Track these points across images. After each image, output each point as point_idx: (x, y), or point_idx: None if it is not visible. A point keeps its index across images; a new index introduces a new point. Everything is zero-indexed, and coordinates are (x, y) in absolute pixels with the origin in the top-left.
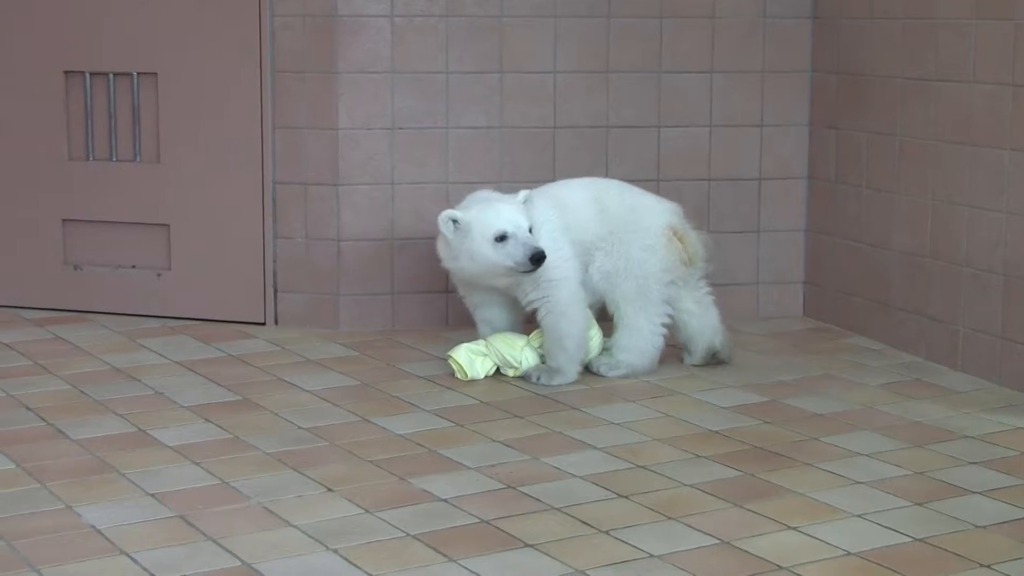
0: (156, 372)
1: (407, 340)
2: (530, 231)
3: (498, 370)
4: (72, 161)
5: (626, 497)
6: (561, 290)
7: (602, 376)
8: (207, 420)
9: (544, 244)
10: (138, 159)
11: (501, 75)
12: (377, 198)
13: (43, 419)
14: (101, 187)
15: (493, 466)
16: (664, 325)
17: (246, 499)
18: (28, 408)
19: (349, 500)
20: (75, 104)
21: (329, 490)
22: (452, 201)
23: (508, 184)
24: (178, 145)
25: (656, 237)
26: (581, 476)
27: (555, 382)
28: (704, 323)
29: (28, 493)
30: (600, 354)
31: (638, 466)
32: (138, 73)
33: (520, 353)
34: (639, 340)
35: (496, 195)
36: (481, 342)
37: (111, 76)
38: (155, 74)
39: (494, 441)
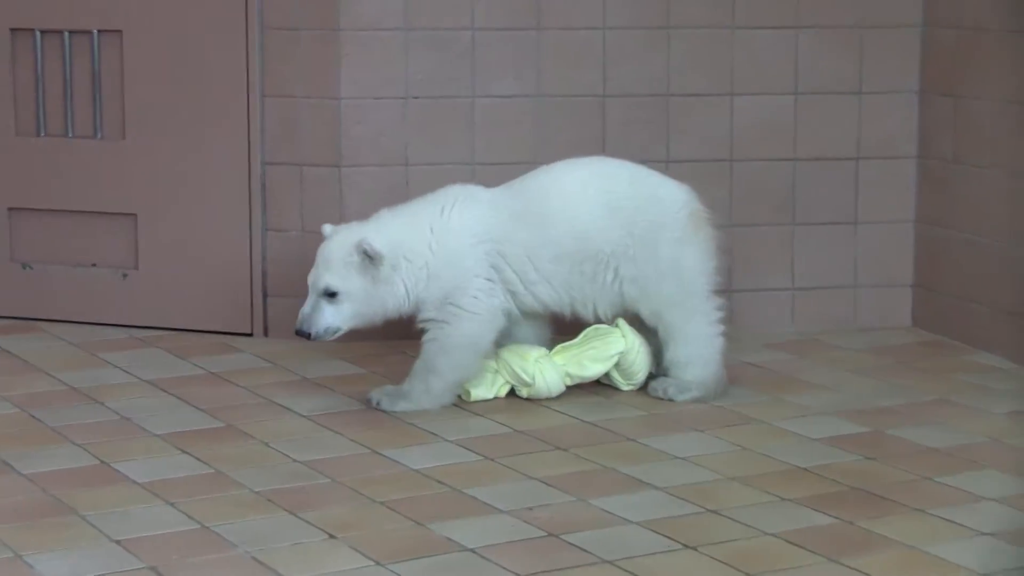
0: (122, 392)
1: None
2: (330, 296)
3: (513, 391)
4: (19, 137)
5: (693, 548)
6: (460, 324)
7: (670, 400)
8: (183, 451)
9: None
10: (99, 135)
11: (538, 32)
12: (387, 182)
13: None
14: (54, 169)
15: (531, 509)
16: (720, 322)
17: (231, 547)
18: None
19: (355, 549)
20: (23, 69)
21: (331, 537)
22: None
23: (543, 163)
24: (147, 118)
25: (684, 227)
26: (637, 522)
27: (398, 408)
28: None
29: None
30: (657, 378)
31: (708, 510)
32: (99, 31)
33: (532, 366)
34: (699, 349)
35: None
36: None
37: (66, 35)
38: (119, 32)
39: (531, 478)
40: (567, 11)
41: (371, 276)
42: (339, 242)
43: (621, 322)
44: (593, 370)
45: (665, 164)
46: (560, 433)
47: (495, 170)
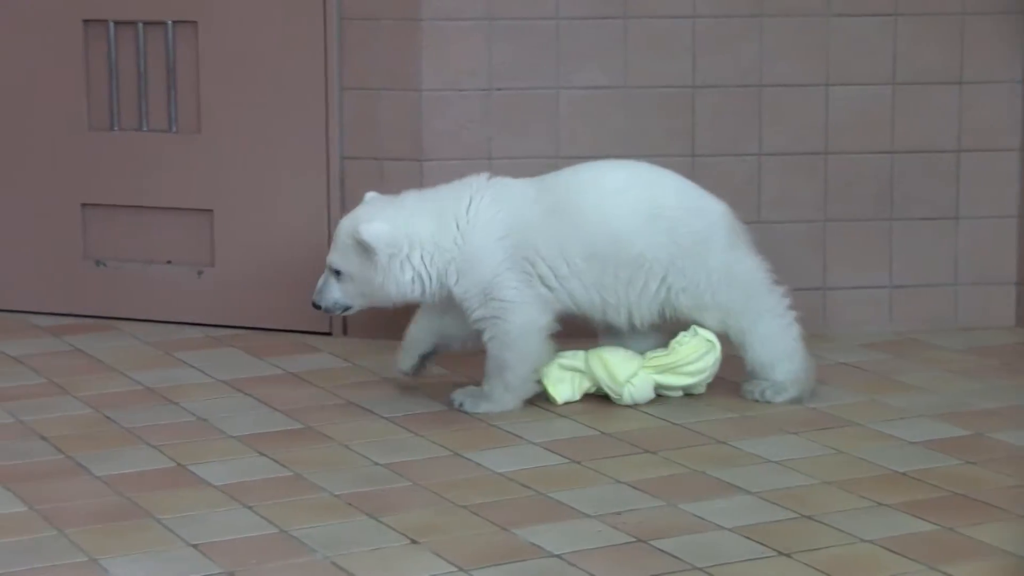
0: (198, 393)
1: None
2: (337, 273)
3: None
4: (93, 132)
5: (787, 555)
6: (511, 316)
7: (767, 403)
8: (261, 453)
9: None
10: (173, 129)
11: (625, 21)
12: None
13: (60, 450)
14: (128, 164)
15: (618, 514)
16: (790, 310)
17: (310, 552)
18: (42, 437)
19: (437, 554)
20: (97, 60)
21: (413, 542)
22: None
23: (634, 158)
24: (223, 111)
25: (729, 235)
26: (729, 528)
27: (481, 409)
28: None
29: (43, 542)
30: (749, 382)
31: (803, 516)
32: (173, 22)
33: (623, 387)
34: (779, 346)
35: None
36: (580, 355)
37: (140, 25)
38: (194, 23)
39: (619, 482)
40: None
41: (370, 262)
42: (347, 222)
43: (702, 331)
44: (686, 382)
45: (757, 157)
46: (648, 436)
47: (581, 162)
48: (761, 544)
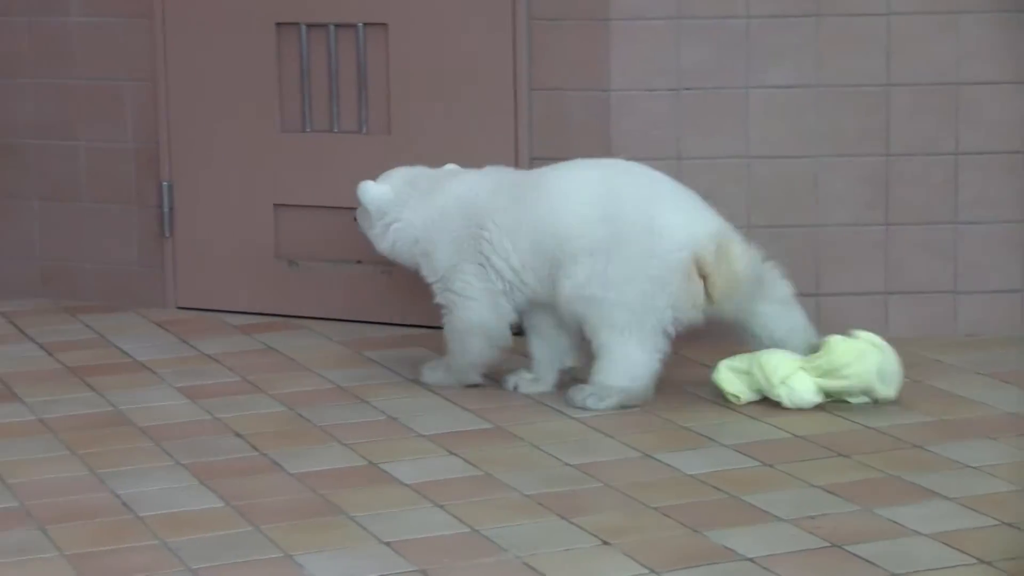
0: (388, 392)
1: (696, 355)
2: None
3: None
4: (285, 133)
5: (988, 563)
6: (457, 311)
7: (590, 410)
8: (451, 453)
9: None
10: (364, 130)
11: (818, 19)
12: None
13: (255, 448)
14: (319, 165)
15: (812, 518)
16: (661, 353)
17: (501, 551)
18: (237, 434)
19: (629, 556)
20: (288, 63)
21: (604, 543)
22: (752, 180)
23: (826, 158)
24: (413, 112)
25: (672, 270)
26: (927, 534)
27: (424, 379)
28: (793, 323)
29: (239, 537)
30: (574, 388)
31: (1003, 523)
32: (364, 24)
33: (777, 387)
34: (628, 366)
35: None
36: (746, 357)
37: (331, 28)
38: (385, 25)
39: (812, 486)
40: None
41: (366, 217)
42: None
43: (864, 333)
44: (847, 387)
45: (954, 156)
46: (842, 439)
47: (771, 164)
48: (960, 551)
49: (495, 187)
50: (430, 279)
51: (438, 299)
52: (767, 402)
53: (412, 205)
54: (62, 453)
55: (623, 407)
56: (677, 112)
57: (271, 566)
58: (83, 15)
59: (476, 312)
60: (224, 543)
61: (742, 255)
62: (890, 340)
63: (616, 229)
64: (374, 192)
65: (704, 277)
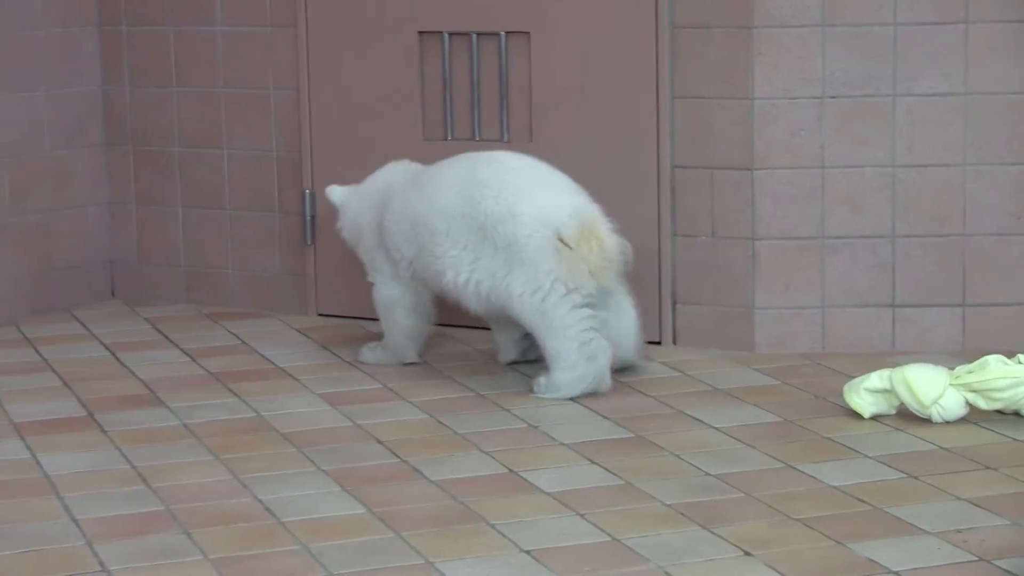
0: (527, 400)
1: (841, 366)
2: None
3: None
4: (428, 142)
5: None
6: (376, 290)
7: (547, 398)
8: (592, 461)
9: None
10: (506, 138)
11: (967, 25)
12: (803, 185)
13: (396, 455)
14: None
15: (959, 531)
16: (591, 328)
17: (644, 561)
18: (378, 441)
19: (771, 567)
20: (431, 72)
21: (746, 554)
22: (897, 189)
23: (973, 167)
24: (555, 121)
25: (538, 250)
26: None
27: (363, 359)
28: (620, 333)
29: (380, 544)
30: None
31: None
32: (506, 33)
33: (930, 408)
34: (558, 359)
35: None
36: (885, 375)
37: (474, 37)
38: (527, 34)
39: (960, 499)
40: (998, 2)
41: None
42: None
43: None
44: (996, 407)
45: None
46: (989, 451)
47: (918, 173)
48: None
49: (401, 179)
50: (364, 261)
51: (368, 279)
52: (911, 414)
53: (354, 199)
54: (206, 458)
55: (588, 392)
56: (821, 120)
57: (412, 573)
58: (229, 24)
59: (390, 289)
60: (366, 549)
61: (608, 232)
62: None
63: (480, 223)
64: (332, 191)
65: (572, 250)
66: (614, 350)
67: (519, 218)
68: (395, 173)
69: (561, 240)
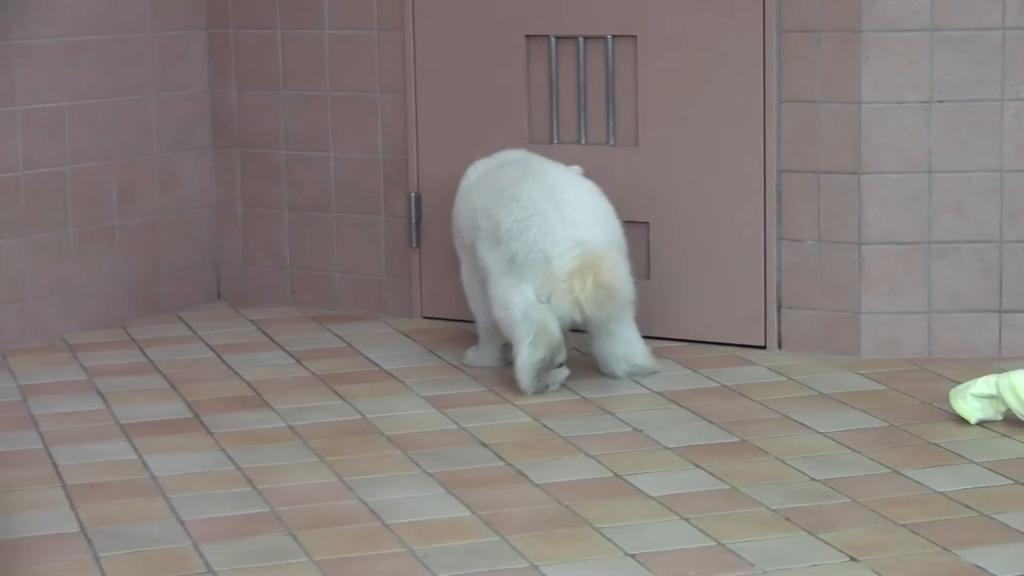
0: (633, 404)
1: (948, 371)
2: None
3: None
4: (533, 144)
5: None
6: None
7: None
8: (697, 466)
9: None
10: (612, 142)
11: None
12: (910, 190)
13: (501, 458)
14: None
15: None
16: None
17: (748, 566)
18: (483, 444)
19: (877, 573)
20: (537, 75)
21: (852, 560)
22: (1005, 194)
23: None
24: (661, 124)
25: (528, 267)
26: None
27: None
28: (608, 354)
29: (486, 546)
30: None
31: None
32: (613, 36)
33: None
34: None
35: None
36: (992, 380)
37: (580, 40)
38: (633, 37)
39: None
40: None
41: None
42: None
43: None
44: None
45: None
46: None
47: None
48: None
49: (481, 169)
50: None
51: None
52: (1017, 419)
53: None
54: (311, 460)
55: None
56: (929, 125)
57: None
58: (335, 27)
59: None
60: (471, 552)
61: (610, 274)
62: None
63: (496, 232)
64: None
65: (563, 282)
66: (602, 367)
67: (523, 239)
68: (469, 171)
69: (552, 270)
